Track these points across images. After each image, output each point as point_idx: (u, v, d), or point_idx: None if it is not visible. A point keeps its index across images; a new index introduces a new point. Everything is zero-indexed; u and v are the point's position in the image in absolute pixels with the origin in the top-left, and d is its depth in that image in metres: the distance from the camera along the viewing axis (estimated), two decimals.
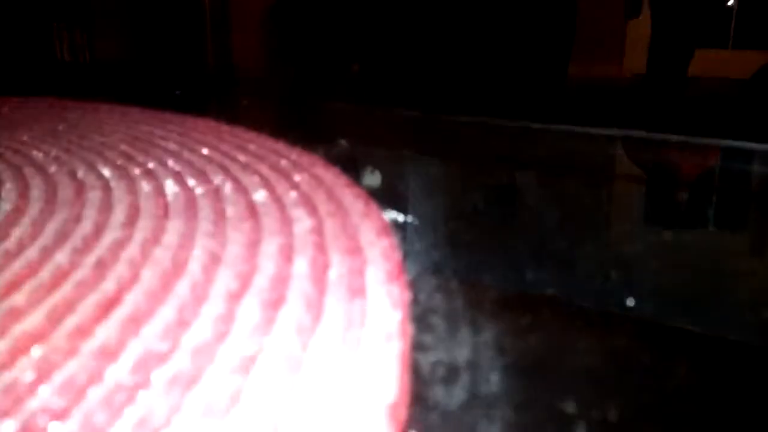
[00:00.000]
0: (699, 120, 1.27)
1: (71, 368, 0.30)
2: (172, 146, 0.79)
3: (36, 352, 0.31)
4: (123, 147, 0.79)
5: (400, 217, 0.59)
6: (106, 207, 0.56)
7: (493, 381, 0.31)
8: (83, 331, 0.33)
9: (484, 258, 0.52)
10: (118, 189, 0.61)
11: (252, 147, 0.78)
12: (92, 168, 0.69)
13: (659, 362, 0.35)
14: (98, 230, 0.50)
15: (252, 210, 0.55)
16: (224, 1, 2.35)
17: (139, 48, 2.21)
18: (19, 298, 0.37)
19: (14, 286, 0.39)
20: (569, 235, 0.60)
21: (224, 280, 0.39)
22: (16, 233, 0.49)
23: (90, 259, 0.43)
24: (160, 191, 0.61)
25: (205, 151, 0.76)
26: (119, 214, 0.54)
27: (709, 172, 0.90)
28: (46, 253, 0.44)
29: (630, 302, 0.42)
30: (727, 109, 1.49)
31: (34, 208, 0.56)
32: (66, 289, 0.38)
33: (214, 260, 0.42)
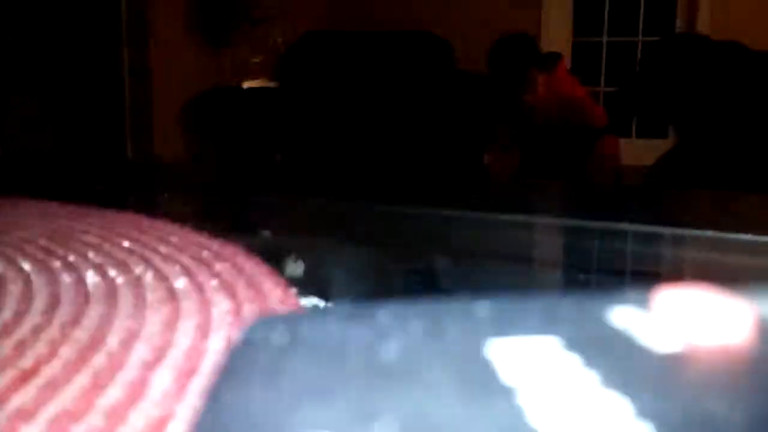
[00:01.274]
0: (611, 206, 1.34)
1: None
2: (92, 239, 0.80)
3: None
4: (43, 241, 0.80)
5: (321, 303, 0.62)
6: (27, 297, 0.57)
7: None
8: None
9: None
10: (39, 281, 0.63)
11: (174, 239, 0.80)
12: (12, 262, 0.70)
13: None
14: (18, 317, 0.51)
15: (172, 295, 0.57)
16: (146, 93, 2.39)
17: (55, 141, 2.22)
18: None
19: None
20: None
21: (140, 352, 0.41)
22: None
23: (9, 342, 0.44)
24: (80, 281, 0.62)
25: (126, 243, 0.78)
26: (40, 302, 0.55)
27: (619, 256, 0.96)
28: None
29: None
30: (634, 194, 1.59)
31: None
32: None
33: (132, 336, 0.44)
